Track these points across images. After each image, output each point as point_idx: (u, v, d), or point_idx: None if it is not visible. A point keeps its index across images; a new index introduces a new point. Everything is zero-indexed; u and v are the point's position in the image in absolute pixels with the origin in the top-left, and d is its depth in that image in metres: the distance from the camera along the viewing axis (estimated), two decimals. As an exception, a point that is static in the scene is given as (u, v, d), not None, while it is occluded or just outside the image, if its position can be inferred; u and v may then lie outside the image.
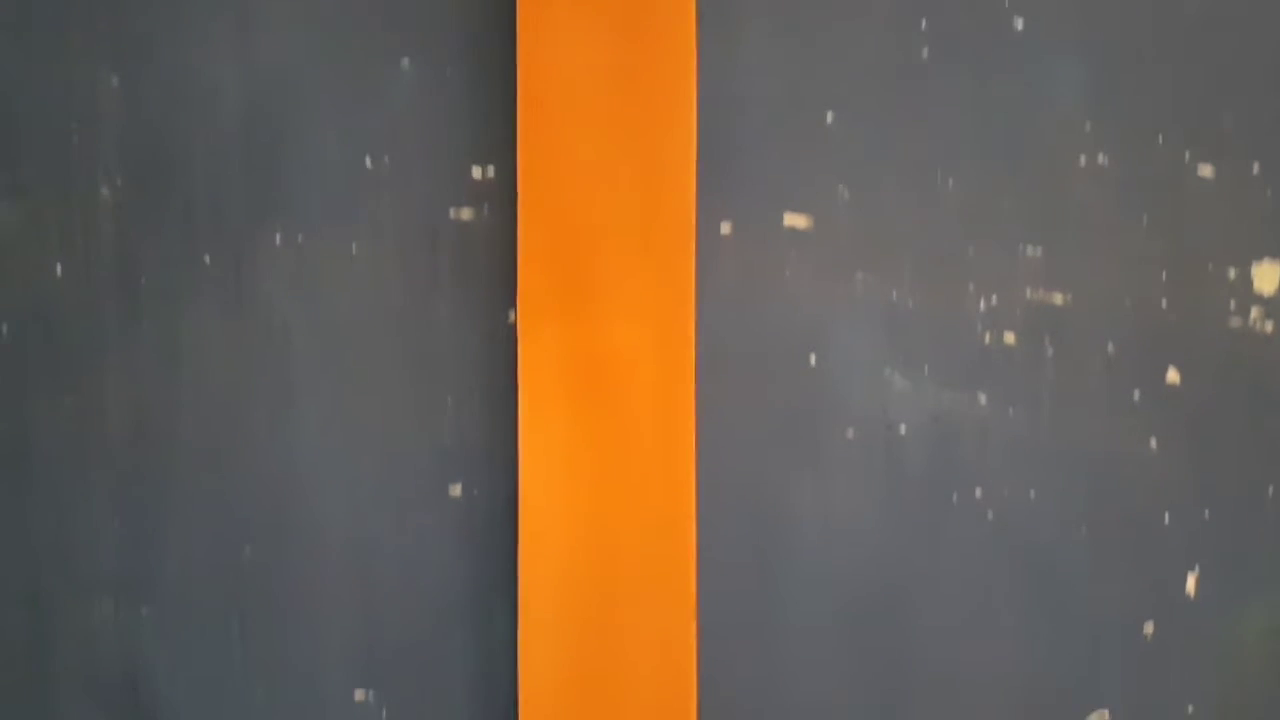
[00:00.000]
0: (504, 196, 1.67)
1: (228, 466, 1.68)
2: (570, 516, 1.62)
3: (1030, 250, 1.68)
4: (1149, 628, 1.70)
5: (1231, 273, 1.68)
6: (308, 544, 1.67)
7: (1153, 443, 1.69)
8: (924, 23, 1.65)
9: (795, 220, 1.68)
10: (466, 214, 1.67)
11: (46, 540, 1.68)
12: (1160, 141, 1.67)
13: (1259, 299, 1.69)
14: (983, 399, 1.69)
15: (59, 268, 1.68)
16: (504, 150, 1.66)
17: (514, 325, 1.66)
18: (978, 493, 1.69)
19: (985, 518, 1.69)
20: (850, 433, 1.69)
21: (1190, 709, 1.70)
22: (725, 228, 1.67)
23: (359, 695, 1.68)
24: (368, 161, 1.67)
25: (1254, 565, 1.70)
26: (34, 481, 1.68)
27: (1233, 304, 1.69)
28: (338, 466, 1.68)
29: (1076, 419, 1.69)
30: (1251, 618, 1.70)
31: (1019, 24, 1.65)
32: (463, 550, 1.67)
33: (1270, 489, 1.70)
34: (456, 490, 1.68)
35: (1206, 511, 1.70)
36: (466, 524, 1.67)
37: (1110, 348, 1.69)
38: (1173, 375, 1.70)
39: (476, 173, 1.67)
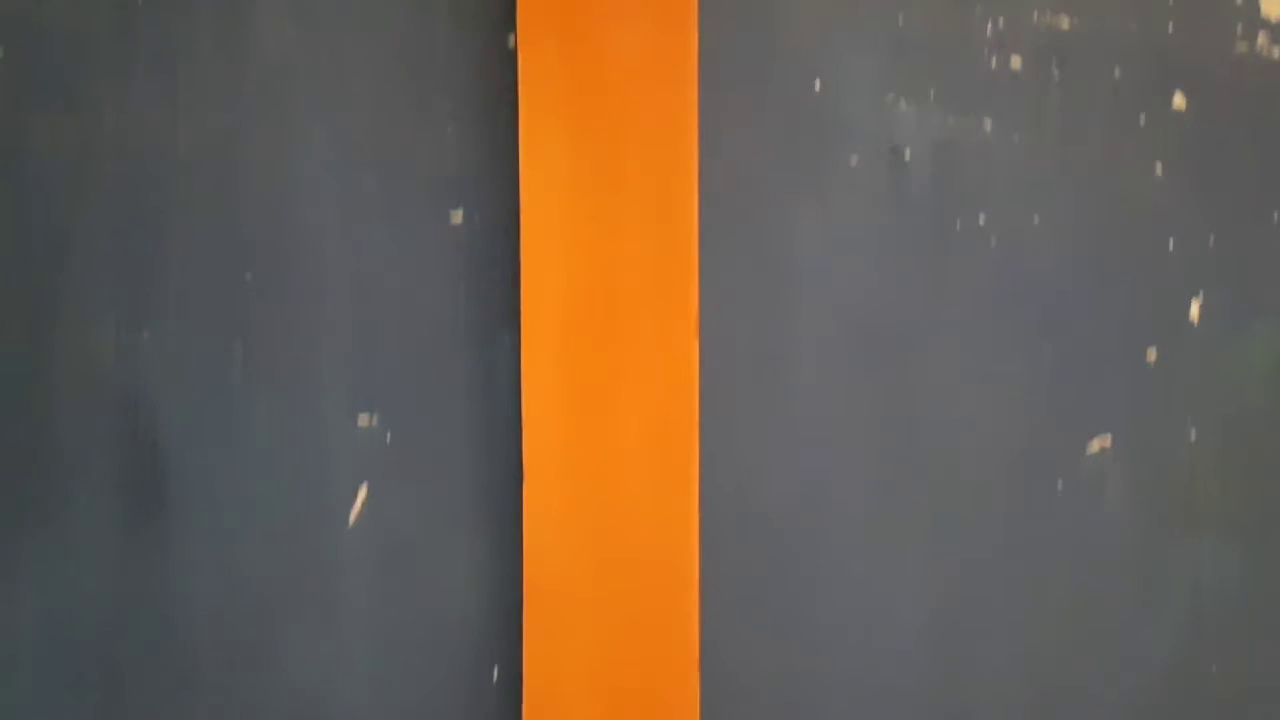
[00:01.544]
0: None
1: (228, 190, 1.66)
2: (572, 243, 1.61)
3: (1037, -29, 1.66)
4: (1152, 354, 1.70)
5: (1239, -3, 1.67)
6: (309, 270, 1.66)
7: (1158, 168, 1.69)
8: None
9: (800, -59, 1.66)
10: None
11: (44, 265, 1.66)
12: None
13: (1266, 24, 1.68)
14: (988, 124, 1.68)
15: (53, -5, 1.65)
16: None
17: (514, 50, 1.64)
18: (981, 219, 1.68)
19: (988, 244, 1.68)
20: (854, 159, 1.67)
21: (1193, 435, 1.71)
22: (728, -51, 1.65)
23: (363, 420, 1.67)
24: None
25: (1257, 291, 1.70)
26: (30, 203, 1.66)
27: (1239, 29, 1.68)
28: (338, 193, 1.66)
29: (1082, 144, 1.68)
30: (1255, 343, 1.70)
31: None
32: (464, 277, 1.66)
33: (1275, 215, 1.69)
34: (458, 217, 1.66)
35: (1211, 237, 1.69)
36: (468, 250, 1.66)
37: (1116, 72, 1.68)
38: (1179, 100, 1.69)
39: (476, -106, 1.65)
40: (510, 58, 1.65)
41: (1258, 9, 1.67)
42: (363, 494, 1.68)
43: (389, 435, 1.68)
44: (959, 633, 1.70)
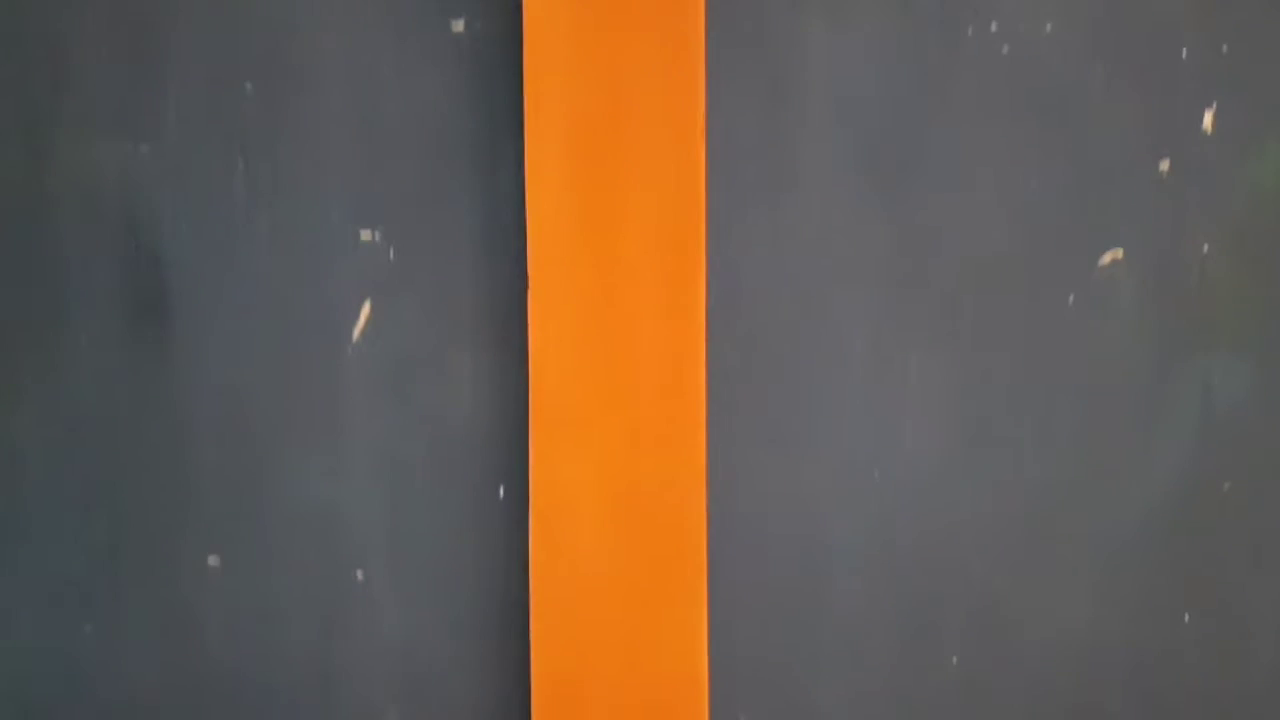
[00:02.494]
0: None
1: (228, 4, 1.64)
2: (576, 50, 1.59)
3: None
4: (1165, 165, 1.68)
5: None
6: (310, 81, 1.64)
7: (1171, -26, 1.66)
8: None
9: None
10: None
11: (44, 79, 1.64)
12: None
13: None
14: (999, -70, 1.65)
15: None
16: None
17: None
18: (993, 26, 1.65)
19: (1000, 52, 1.65)
20: (863, -33, 1.65)
21: (1206, 248, 1.68)
22: None
23: (365, 235, 1.66)
24: None
25: (1272, 101, 1.67)
26: (29, 15, 1.64)
27: None
28: (339, 2, 1.63)
29: (1094, -50, 1.65)
30: (1269, 154, 1.68)
31: None
32: (466, 87, 1.64)
33: (1291, 21, 1.67)
34: (459, 26, 1.64)
35: (1225, 45, 1.66)
36: (469, 60, 1.64)
37: (1130, -124, 1.65)
38: (1193, -95, 1.66)
39: None
40: None
41: None
42: (366, 310, 1.67)
43: (392, 250, 1.66)
44: (967, 446, 1.69)
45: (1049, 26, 1.65)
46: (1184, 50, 1.66)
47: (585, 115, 1.59)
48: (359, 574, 1.69)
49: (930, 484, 1.69)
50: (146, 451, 1.67)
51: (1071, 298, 1.68)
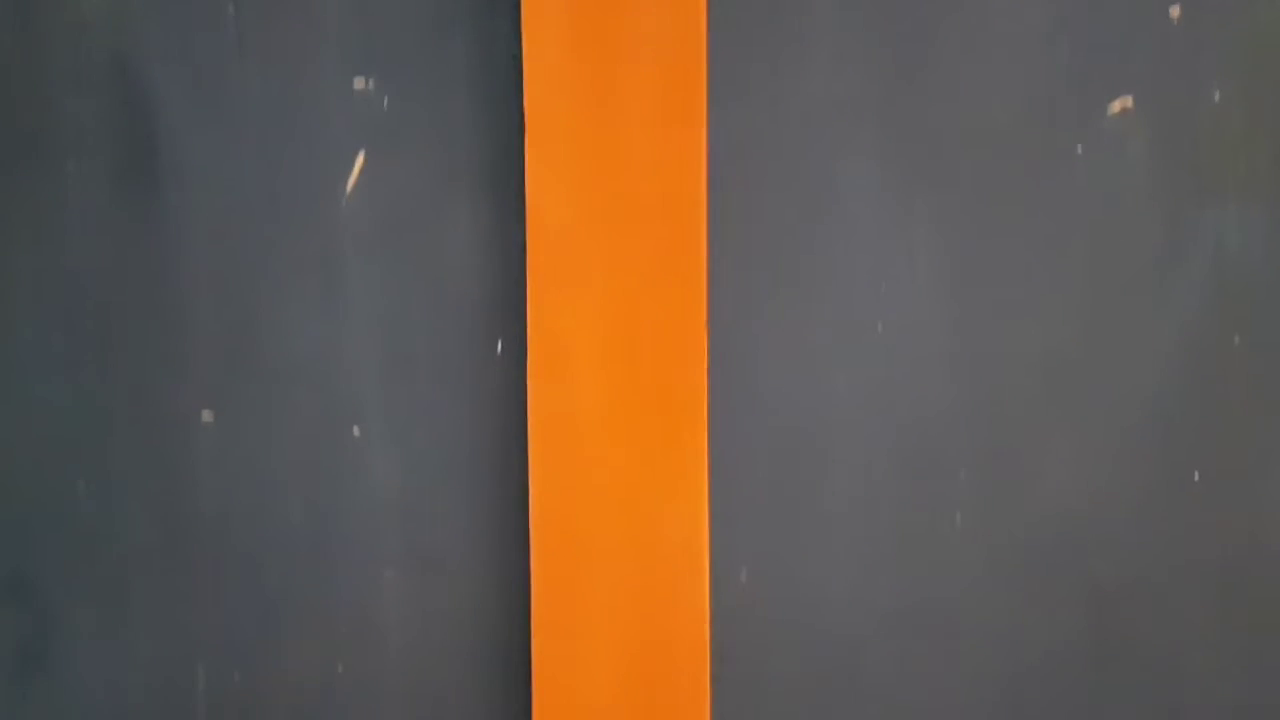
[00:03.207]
0: None
1: None
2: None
3: None
4: (1175, 11, 1.64)
5: None
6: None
7: None
8: None
9: None
10: None
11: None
12: None
13: None
14: None
15: None
16: None
17: None
18: None
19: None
20: None
21: (1217, 96, 1.65)
22: None
23: (359, 83, 1.62)
24: None
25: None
26: None
27: None
28: None
29: None
30: (1283, -1, 1.64)
31: None
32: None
33: None
34: None
35: (1239, -112, 1.63)
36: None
37: None
38: None
39: None
40: None
41: None
42: (360, 161, 1.64)
43: (386, 100, 1.63)
44: (972, 300, 1.66)
45: None
46: (1197, -107, 1.62)
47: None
48: (355, 430, 1.66)
49: (934, 339, 1.66)
50: (137, 307, 1.65)
51: (1080, 148, 1.65)
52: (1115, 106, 1.64)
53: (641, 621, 1.61)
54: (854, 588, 1.68)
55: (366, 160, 1.63)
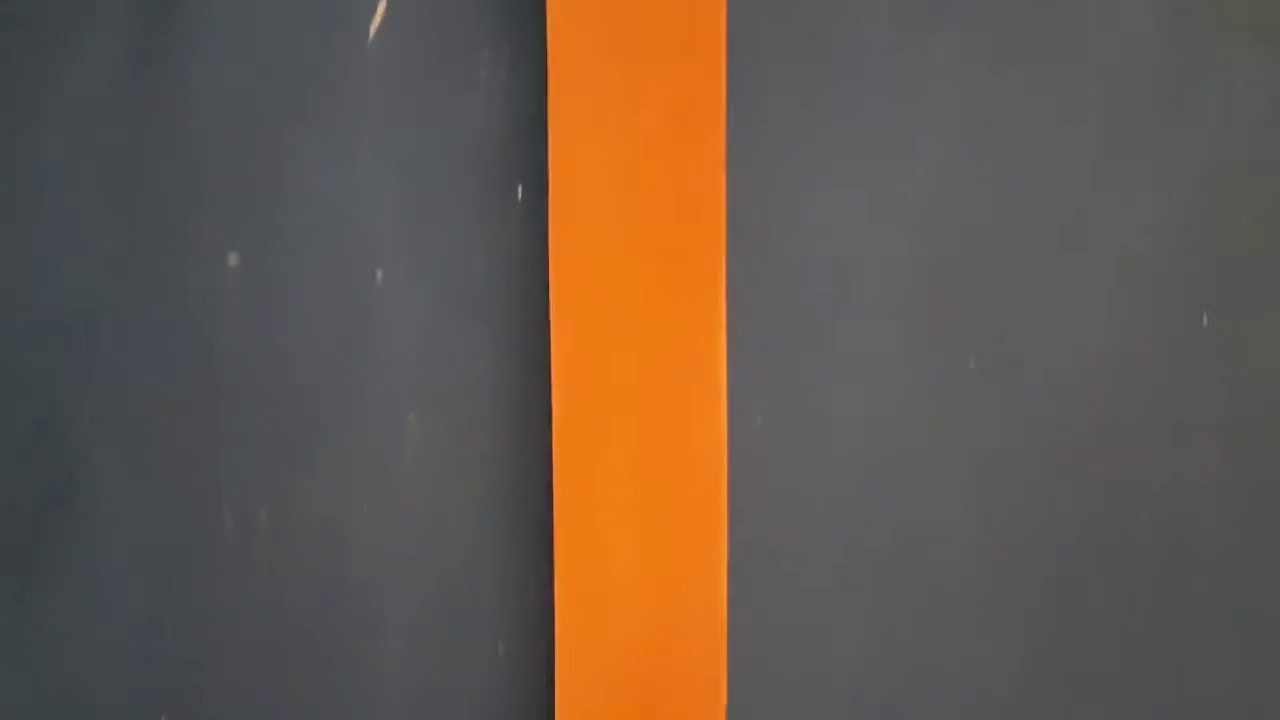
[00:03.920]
0: None
1: None
2: None
3: None
4: None
5: None
6: None
7: None
8: None
9: None
10: None
11: None
12: None
13: None
14: None
15: None
16: None
17: None
18: None
19: None
20: None
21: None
22: None
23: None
24: None
25: None
26: None
27: None
28: None
29: None
30: None
31: None
32: None
33: None
34: None
35: None
36: None
37: None
38: None
39: None
40: None
41: None
42: (383, 5, 1.65)
43: (405, -56, 1.64)
44: (984, 140, 1.68)
45: None
46: None
47: None
48: (379, 274, 1.69)
49: (947, 176, 1.68)
50: (161, 148, 1.66)
51: (1094, -8, 1.67)
52: (1130, -48, 1.66)
53: (662, 458, 1.64)
54: (867, 433, 1.71)
55: (389, 4, 1.65)
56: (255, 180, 1.67)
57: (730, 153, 1.64)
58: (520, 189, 1.67)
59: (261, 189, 1.67)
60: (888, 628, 1.72)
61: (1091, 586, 1.73)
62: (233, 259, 1.68)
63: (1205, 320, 1.71)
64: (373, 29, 1.65)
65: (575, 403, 1.65)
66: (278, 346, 1.69)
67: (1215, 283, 1.69)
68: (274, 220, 1.67)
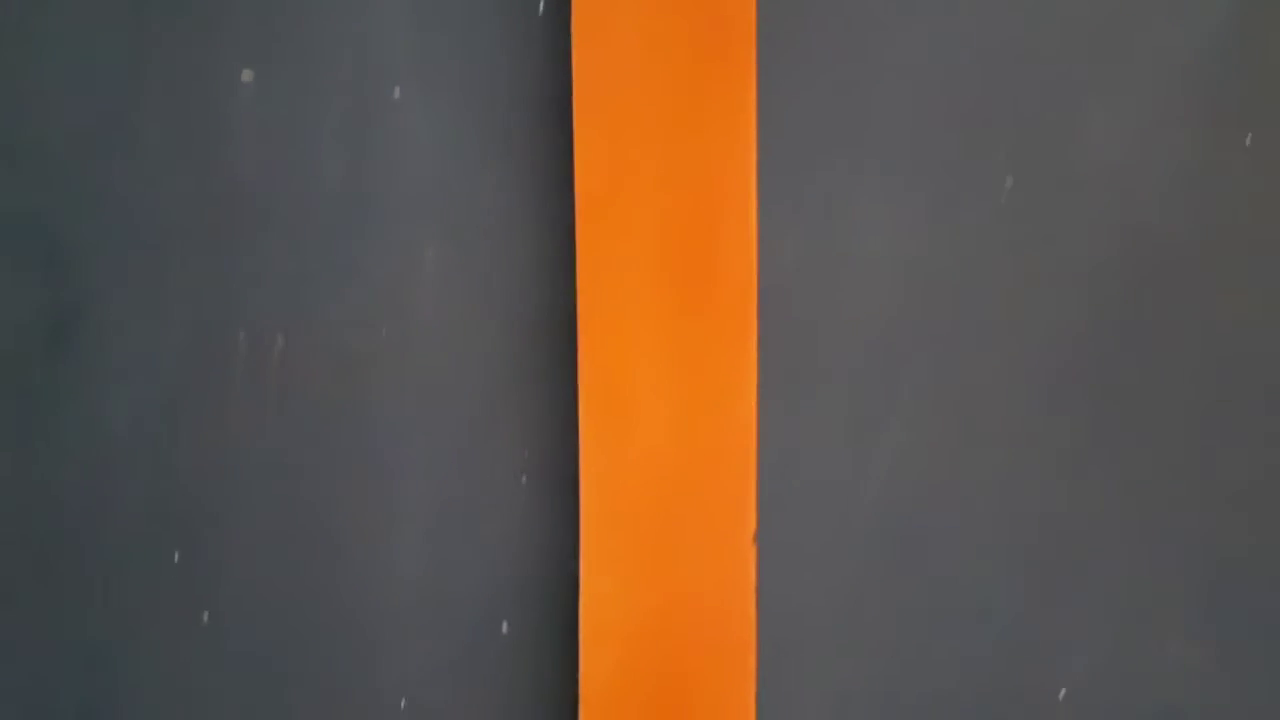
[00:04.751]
0: None
1: None
2: None
3: None
4: None
5: None
6: None
7: None
8: None
9: None
10: None
11: None
12: None
13: None
14: None
15: None
16: None
17: None
18: None
19: None
20: None
21: None
22: None
23: None
24: None
25: None
26: None
27: None
28: None
29: None
30: None
31: None
32: None
33: None
34: None
35: None
36: None
37: None
38: None
39: None
40: None
41: None
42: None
43: None
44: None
45: None
46: None
47: None
48: (396, 91, 1.64)
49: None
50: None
51: None
52: None
53: (689, 278, 1.59)
54: (902, 250, 1.66)
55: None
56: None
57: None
58: (542, 2, 1.62)
59: (279, 7, 1.62)
60: (920, 440, 1.68)
61: (1130, 413, 1.69)
62: (246, 76, 1.63)
63: (1249, 140, 1.66)
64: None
65: (599, 225, 1.60)
66: (292, 167, 1.65)
67: (1261, 103, 1.64)
68: (290, 36, 1.63)
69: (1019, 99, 1.64)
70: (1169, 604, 1.69)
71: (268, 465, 1.67)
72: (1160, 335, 1.68)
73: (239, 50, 1.63)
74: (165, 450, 1.68)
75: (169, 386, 1.67)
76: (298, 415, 1.67)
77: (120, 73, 1.63)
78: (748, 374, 1.59)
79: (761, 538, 1.62)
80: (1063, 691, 1.68)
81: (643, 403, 1.60)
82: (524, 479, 1.67)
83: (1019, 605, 1.68)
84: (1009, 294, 1.67)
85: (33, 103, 1.64)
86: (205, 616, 1.69)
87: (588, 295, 1.60)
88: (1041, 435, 1.68)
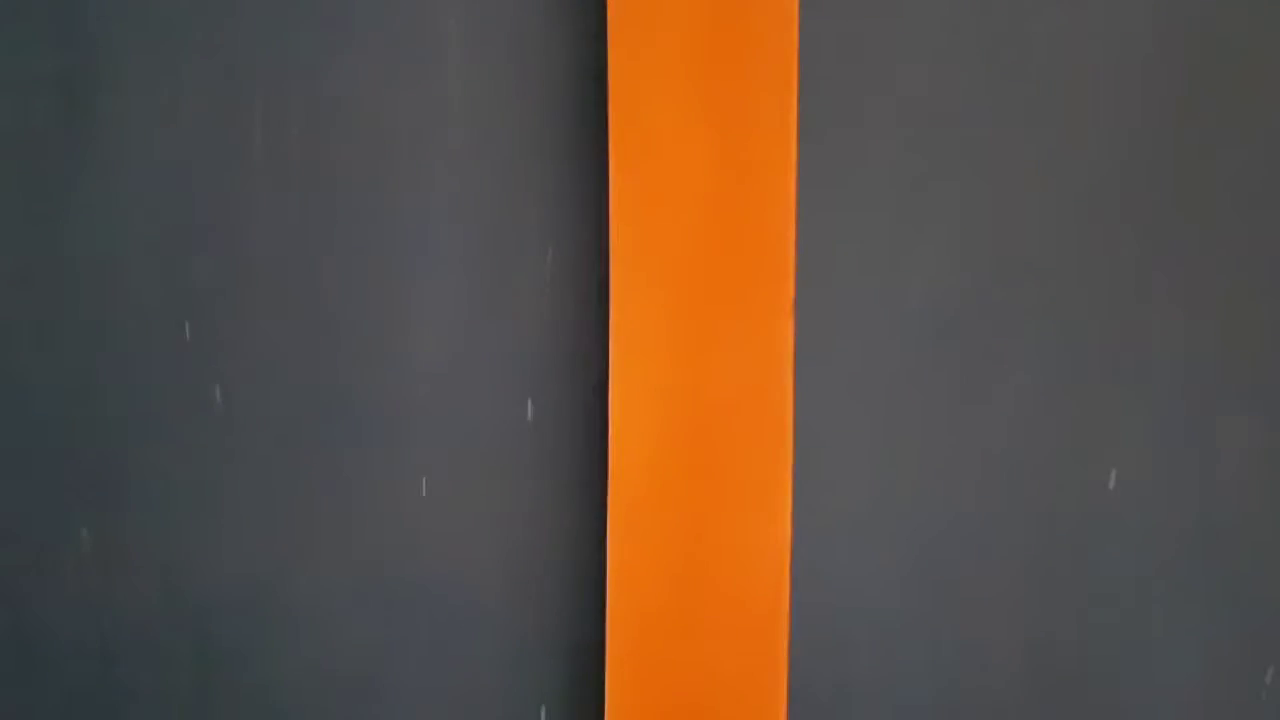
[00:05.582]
0: None
1: None
2: None
3: None
4: None
5: None
6: None
7: None
8: None
9: None
10: None
11: None
12: None
13: None
14: None
15: None
16: None
17: None
18: None
19: None
20: None
21: None
22: None
23: None
24: None
25: None
26: None
27: None
28: None
29: None
30: None
31: None
32: None
33: None
34: None
35: None
36: None
37: None
38: None
39: None
40: None
41: None
42: None
43: None
44: None
45: None
46: None
47: None
48: None
49: None
50: None
51: None
52: None
53: (719, 52, 1.50)
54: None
55: None
56: None
57: None
58: None
59: None
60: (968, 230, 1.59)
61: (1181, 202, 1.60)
62: None
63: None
64: None
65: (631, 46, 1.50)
66: None
67: None
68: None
69: None
70: (1220, 384, 1.60)
71: (284, 240, 1.60)
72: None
73: None
74: (179, 222, 1.61)
75: (184, 156, 1.59)
76: (317, 189, 1.59)
77: None
78: (786, 137, 1.50)
79: (800, 308, 1.54)
80: (1113, 476, 1.60)
81: (674, 168, 1.51)
82: (550, 253, 1.60)
83: (1067, 389, 1.60)
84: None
85: None
86: (218, 394, 1.63)
87: (618, 55, 1.51)
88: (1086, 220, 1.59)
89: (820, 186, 1.56)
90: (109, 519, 1.65)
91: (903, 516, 1.60)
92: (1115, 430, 1.60)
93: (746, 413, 1.52)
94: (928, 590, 1.61)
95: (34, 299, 1.63)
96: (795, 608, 1.57)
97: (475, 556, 1.63)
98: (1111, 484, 1.60)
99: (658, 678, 1.54)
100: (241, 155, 1.60)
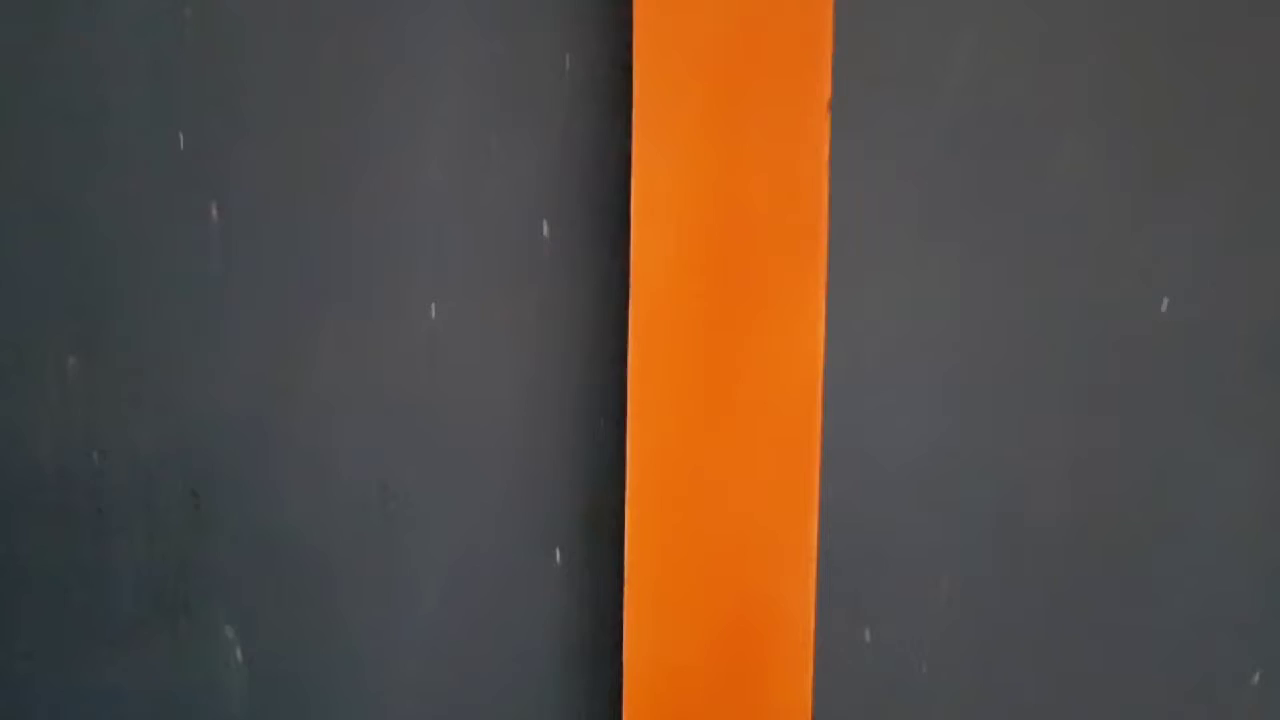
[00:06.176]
0: None
1: None
2: None
3: None
4: None
5: None
6: None
7: None
8: None
9: None
10: None
11: None
12: None
13: None
14: None
15: None
16: None
17: None
18: None
19: None
20: None
21: None
22: None
23: None
24: None
25: None
26: None
27: None
28: None
29: None
30: None
31: None
32: None
33: None
34: None
35: None
36: None
37: None
38: None
39: None
40: None
41: None
42: None
43: None
44: None
45: None
46: None
47: None
48: None
49: None
50: None
51: None
52: None
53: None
54: None
55: None
56: None
57: None
58: None
59: None
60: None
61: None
62: None
63: None
64: None
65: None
66: None
67: None
68: None
69: None
70: (1271, 214, 1.51)
71: (286, 48, 1.50)
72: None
73: None
74: (171, 32, 1.51)
75: None
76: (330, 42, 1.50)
77: None
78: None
79: (836, 107, 1.44)
80: (1165, 302, 1.50)
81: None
82: (568, 60, 1.50)
83: (1120, 215, 1.50)
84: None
85: None
86: (214, 210, 1.53)
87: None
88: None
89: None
90: (98, 346, 1.56)
91: (942, 331, 1.51)
92: (1168, 248, 1.50)
93: (779, 219, 1.42)
94: (968, 405, 1.51)
95: (19, 112, 1.53)
96: (827, 425, 1.47)
97: (487, 381, 1.54)
98: (1164, 309, 1.51)
99: (680, 505, 1.45)
100: None
